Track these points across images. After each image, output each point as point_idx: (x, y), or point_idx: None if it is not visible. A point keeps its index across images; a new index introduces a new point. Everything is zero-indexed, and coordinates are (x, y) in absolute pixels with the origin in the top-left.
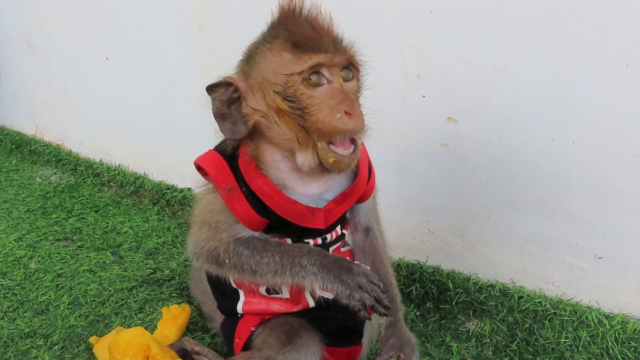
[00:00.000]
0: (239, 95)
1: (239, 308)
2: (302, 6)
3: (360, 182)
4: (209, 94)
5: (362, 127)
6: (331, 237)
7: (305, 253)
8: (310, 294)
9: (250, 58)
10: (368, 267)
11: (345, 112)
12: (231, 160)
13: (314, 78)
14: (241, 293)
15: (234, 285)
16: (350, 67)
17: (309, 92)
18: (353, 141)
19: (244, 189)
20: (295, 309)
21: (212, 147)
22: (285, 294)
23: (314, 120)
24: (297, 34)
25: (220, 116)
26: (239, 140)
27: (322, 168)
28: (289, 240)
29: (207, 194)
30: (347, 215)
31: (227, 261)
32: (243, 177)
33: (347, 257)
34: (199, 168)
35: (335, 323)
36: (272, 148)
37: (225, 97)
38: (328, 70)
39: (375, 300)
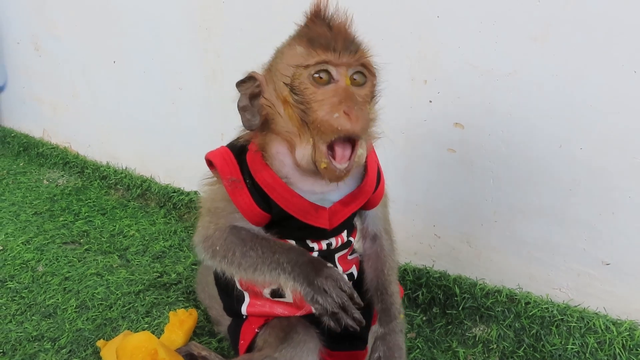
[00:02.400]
0: (260, 90)
1: (244, 309)
2: (326, 8)
3: (368, 185)
4: (237, 89)
5: (359, 130)
6: (336, 243)
7: (285, 250)
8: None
9: (274, 54)
10: (340, 271)
11: (344, 112)
12: (239, 154)
13: (321, 75)
14: (246, 295)
15: (239, 286)
16: (363, 71)
17: (313, 87)
18: (353, 148)
19: (247, 181)
20: (299, 313)
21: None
22: (289, 297)
23: (314, 116)
24: (314, 30)
25: (242, 109)
26: (251, 133)
27: (316, 169)
28: (293, 243)
29: (212, 184)
30: (355, 222)
31: (217, 248)
32: (249, 170)
33: (354, 266)
34: (209, 162)
35: None
36: (277, 140)
37: (249, 91)
38: (336, 69)
39: (340, 308)
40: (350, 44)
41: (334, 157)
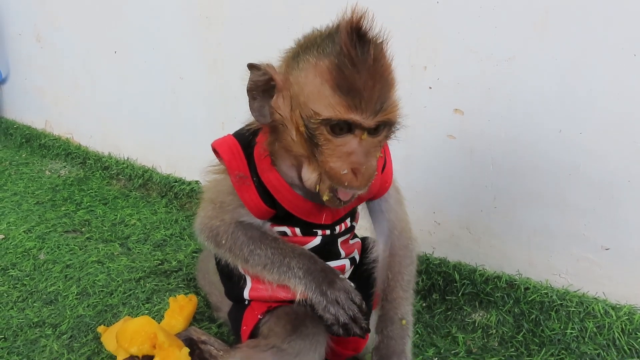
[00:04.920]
0: (274, 84)
1: (246, 294)
2: (368, 32)
3: (372, 184)
4: (248, 70)
5: (363, 186)
6: (340, 229)
7: (296, 255)
8: None
9: (298, 57)
10: (352, 285)
11: (352, 170)
12: (247, 147)
13: (340, 129)
14: (248, 279)
15: (241, 270)
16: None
17: (327, 134)
18: None
19: (255, 179)
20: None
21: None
22: None
23: (323, 161)
24: (346, 73)
25: (251, 94)
26: (259, 126)
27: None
28: (297, 230)
29: (218, 173)
30: (359, 208)
31: (223, 242)
32: (256, 167)
33: (356, 250)
34: (215, 151)
35: None
36: (285, 151)
37: (261, 82)
38: (354, 125)
39: (350, 319)
40: (380, 104)
41: (337, 193)
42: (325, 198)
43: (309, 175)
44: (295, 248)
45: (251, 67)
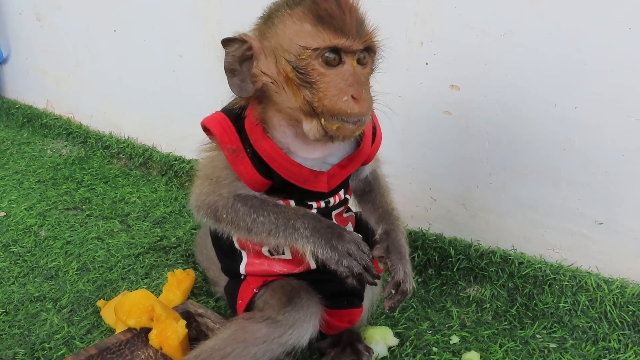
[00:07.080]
0: (252, 54)
1: (242, 269)
2: None
3: (365, 147)
4: (223, 47)
5: (366, 112)
6: (334, 201)
7: (300, 216)
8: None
9: (269, 19)
10: (360, 236)
11: (352, 97)
12: (237, 121)
13: (329, 57)
14: (244, 254)
15: (237, 246)
16: (367, 50)
17: (320, 69)
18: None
19: (248, 150)
20: (297, 270)
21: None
22: (288, 255)
23: (321, 97)
24: (322, 7)
25: (230, 71)
26: (246, 100)
27: (328, 137)
28: (292, 202)
29: (211, 150)
30: (351, 181)
31: (224, 216)
32: (248, 139)
33: (350, 223)
34: (205, 129)
35: (336, 285)
36: (279, 113)
37: (238, 53)
38: (345, 52)
39: (363, 269)
40: (361, 27)
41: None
42: (334, 127)
43: (310, 126)
44: (298, 210)
45: (226, 42)
